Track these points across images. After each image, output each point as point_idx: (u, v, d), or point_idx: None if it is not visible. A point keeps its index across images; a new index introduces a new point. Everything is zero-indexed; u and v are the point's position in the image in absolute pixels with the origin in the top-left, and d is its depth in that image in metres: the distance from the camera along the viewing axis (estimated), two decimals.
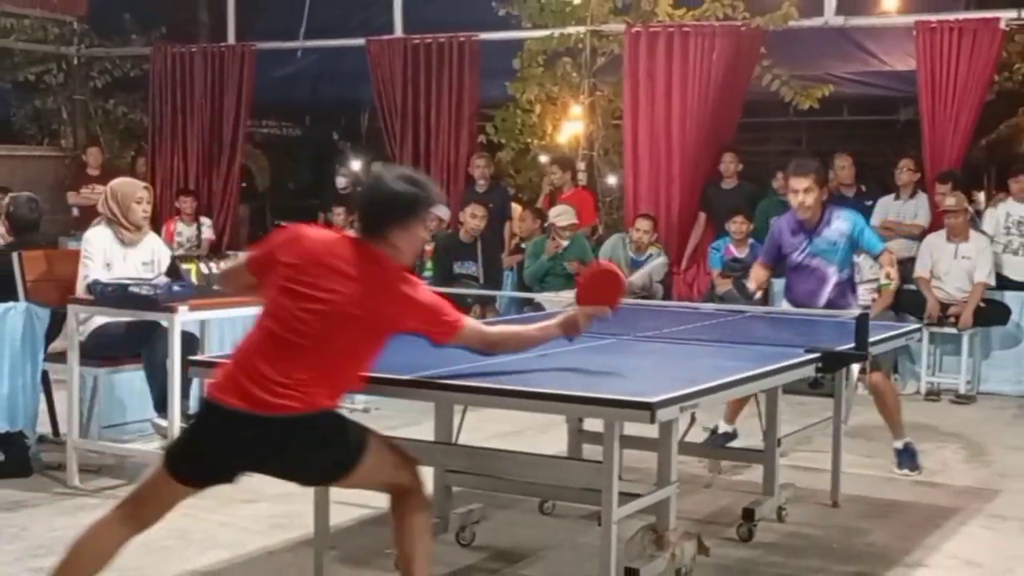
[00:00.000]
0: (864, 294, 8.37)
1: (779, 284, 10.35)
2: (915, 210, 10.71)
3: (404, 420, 7.76)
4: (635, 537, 4.85)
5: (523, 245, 11.35)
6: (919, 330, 7.39)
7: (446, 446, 5.43)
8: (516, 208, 12.43)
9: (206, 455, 4.17)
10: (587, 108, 12.24)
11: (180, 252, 11.78)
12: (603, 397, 4.25)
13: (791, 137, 18.22)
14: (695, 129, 11.45)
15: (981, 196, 15.16)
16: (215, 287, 6.54)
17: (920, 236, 10.46)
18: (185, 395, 6.46)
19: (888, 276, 7.20)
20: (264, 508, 6.11)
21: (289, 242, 4.24)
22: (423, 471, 5.68)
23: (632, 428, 5.06)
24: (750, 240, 10.77)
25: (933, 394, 10.02)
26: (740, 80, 11.57)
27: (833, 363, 5.49)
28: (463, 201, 11.60)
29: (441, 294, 9.72)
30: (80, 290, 6.82)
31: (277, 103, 16.86)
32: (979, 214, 11.23)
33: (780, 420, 6.21)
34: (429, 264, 11.13)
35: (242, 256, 5.00)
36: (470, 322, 4.49)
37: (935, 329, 9.98)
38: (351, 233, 4.38)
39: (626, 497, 4.56)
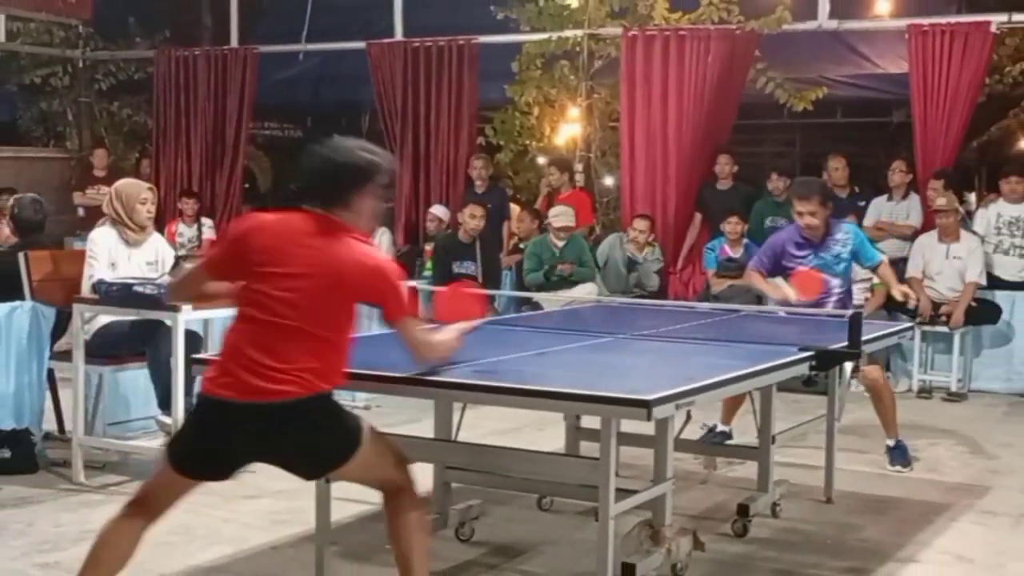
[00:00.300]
0: (857, 294, 8.37)
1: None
2: (907, 211, 10.71)
3: (404, 417, 7.77)
4: (632, 533, 4.86)
5: (522, 245, 11.35)
6: (911, 329, 7.39)
7: (445, 443, 5.43)
8: (515, 208, 12.43)
9: (206, 450, 4.16)
10: (584, 110, 12.24)
11: (182, 252, 11.77)
12: (600, 395, 4.25)
13: (785, 139, 18.24)
14: (691, 131, 11.45)
15: (972, 197, 15.19)
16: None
17: (912, 236, 10.47)
18: (188, 393, 6.44)
19: (904, 294, 7.26)
20: (266, 504, 6.11)
21: (249, 231, 4.20)
22: (423, 468, 5.71)
23: (629, 425, 5.06)
24: (745, 240, 10.79)
25: (925, 392, 10.01)
26: (735, 83, 11.58)
27: (826, 361, 5.49)
28: (462, 202, 11.60)
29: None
30: (85, 289, 6.82)
31: (279, 105, 16.86)
32: (970, 215, 11.24)
33: (774, 417, 6.22)
34: (429, 264, 11.14)
35: (189, 266, 4.98)
36: (415, 321, 4.39)
37: (927, 328, 9.98)
38: (306, 209, 4.26)
39: (623, 493, 4.56)
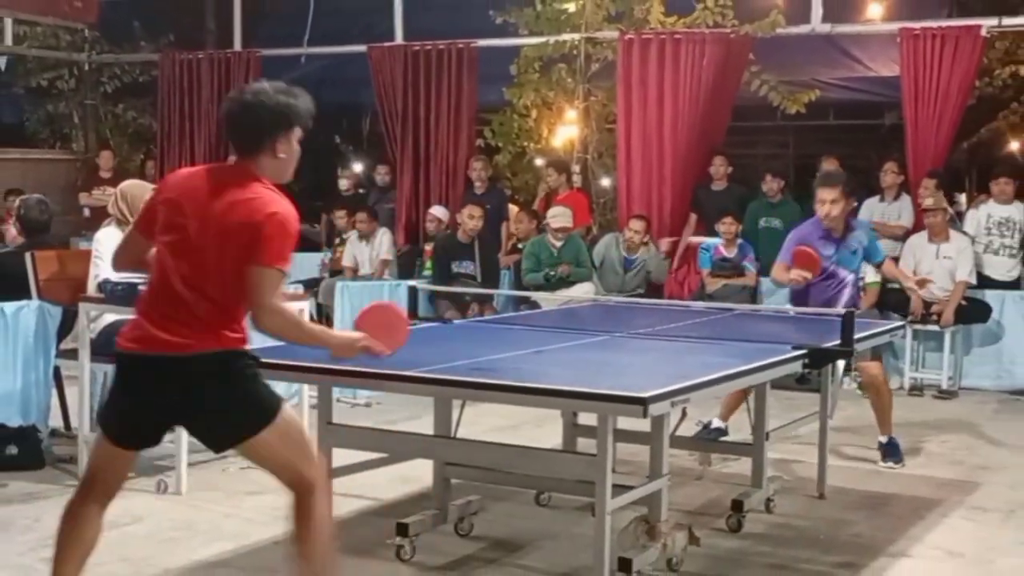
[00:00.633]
0: None
1: (767, 283, 10.47)
2: (899, 211, 10.72)
3: (405, 414, 7.78)
4: (628, 528, 4.86)
5: (520, 245, 11.35)
6: (903, 327, 7.40)
7: (445, 439, 5.43)
8: (513, 209, 12.43)
9: (127, 410, 4.07)
10: (582, 113, 12.23)
11: None
12: (597, 392, 4.25)
13: (779, 141, 18.22)
14: (686, 133, 11.45)
15: (963, 198, 15.18)
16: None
17: (904, 237, 10.47)
18: None
19: (921, 283, 7.29)
20: (268, 500, 6.08)
21: (162, 187, 4.16)
22: (423, 464, 5.72)
23: (625, 422, 5.05)
24: (739, 240, 10.80)
25: (916, 389, 10.01)
26: (729, 85, 11.58)
27: (819, 359, 5.50)
28: (462, 202, 11.60)
29: (441, 293, 9.68)
30: (91, 289, 6.81)
31: None
32: (961, 215, 11.24)
33: (768, 415, 6.22)
34: (429, 264, 11.14)
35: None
36: (279, 277, 3.98)
37: (918, 326, 9.99)
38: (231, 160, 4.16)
39: (619, 489, 4.56)
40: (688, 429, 6.08)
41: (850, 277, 7.18)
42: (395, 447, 5.43)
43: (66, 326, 7.13)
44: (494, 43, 12.59)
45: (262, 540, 5.59)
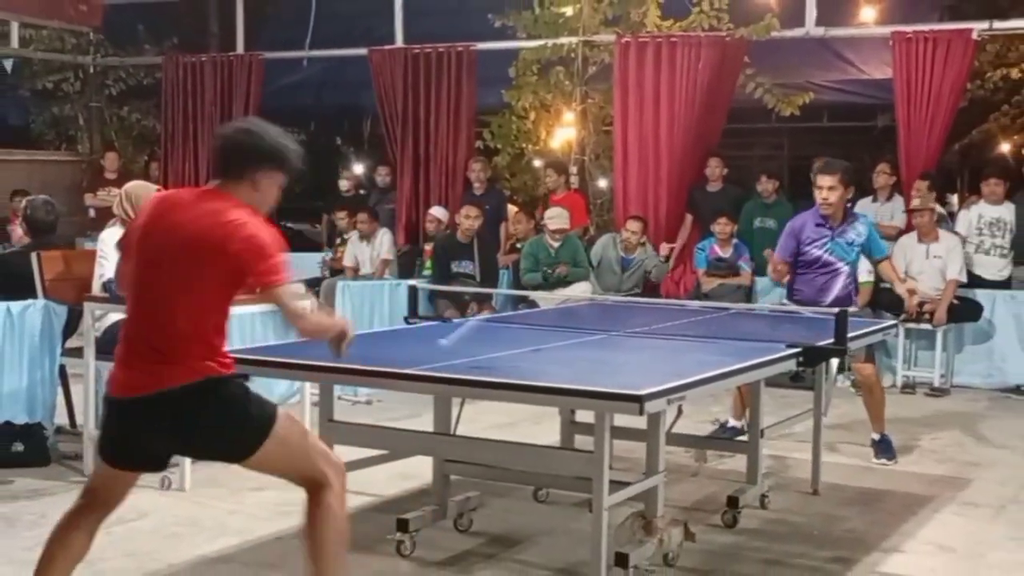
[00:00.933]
0: None
1: (762, 282, 10.49)
2: (892, 212, 10.72)
3: (405, 412, 7.78)
4: (625, 523, 4.86)
5: (518, 245, 11.35)
6: (895, 326, 7.39)
7: (445, 437, 5.43)
8: (512, 209, 12.44)
9: (124, 448, 4.01)
10: (579, 115, 12.23)
11: None
12: (594, 390, 4.26)
13: (773, 142, 18.26)
14: (682, 135, 11.46)
15: (954, 198, 15.19)
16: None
17: (896, 237, 10.47)
18: None
19: (910, 290, 7.32)
20: (271, 496, 6.10)
21: (143, 210, 4.07)
22: (423, 460, 5.72)
23: (622, 419, 5.05)
24: (734, 240, 10.80)
25: (909, 387, 10.01)
26: (725, 88, 11.58)
27: (813, 357, 5.51)
28: (460, 203, 11.60)
29: (441, 292, 9.67)
30: (96, 288, 6.81)
31: (283, 110, 16.78)
32: (952, 216, 11.24)
33: (763, 412, 6.23)
34: (428, 263, 11.14)
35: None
36: (294, 287, 4.05)
37: (911, 325, 9.98)
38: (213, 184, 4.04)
39: (616, 485, 4.57)
40: (684, 426, 6.07)
41: (845, 268, 7.15)
42: (395, 444, 5.43)
43: (71, 325, 7.13)
44: (493, 46, 12.60)
45: (265, 536, 5.60)
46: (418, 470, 6.01)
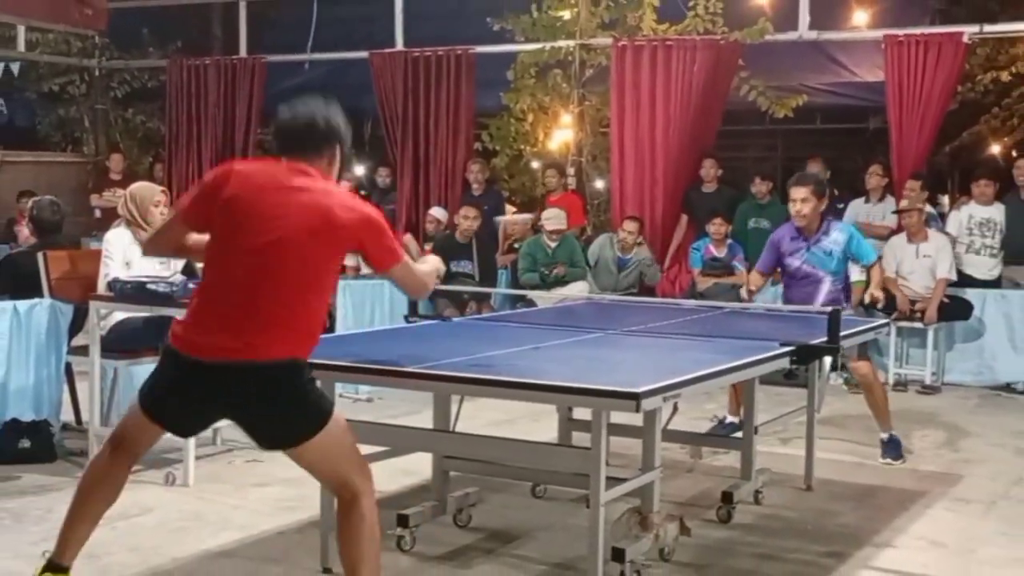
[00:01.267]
0: None
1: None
2: (883, 212, 10.72)
3: (405, 409, 7.78)
4: (621, 519, 4.86)
5: (516, 246, 11.35)
6: (887, 325, 7.39)
7: (444, 433, 5.43)
8: (510, 210, 12.44)
9: (178, 404, 3.99)
10: (576, 117, 12.24)
11: None
12: (592, 387, 4.25)
13: (767, 144, 18.25)
14: (677, 136, 11.46)
15: (945, 199, 15.19)
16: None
17: (887, 237, 10.47)
18: None
19: (872, 297, 7.30)
20: (274, 492, 6.10)
21: (223, 177, 3.96)
22: (422, 457, 5.72)
23: (618, 416, 5.05)
24: (728, 241, 10.80)
25: (900, 385, 10.01)
26: (720, 90, 11.58)
27: (807, 355, 5.49)
28: (460, 204, 11.60)
29: (440, 291, 9.65)
30: (101, 287, 6.80)
31: None
32: (943, 216, 11.24)
33: (757, 409, 6.22)
34: None
35: (168, 214, 4.70)
36: (408, 259, 4.29)
37: (902, 324, 9.98)
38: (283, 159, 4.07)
39: (613, 481, 4.56)
40: (681, 423, 6.06)
41: (827, 276, 7.16)
42: (396, 441, 5.42)
43: (77, 323, 7.13)
44: (491, 49, 12.60)
45: (268, 530, 5.59)
46: (418, 466, 6.01)
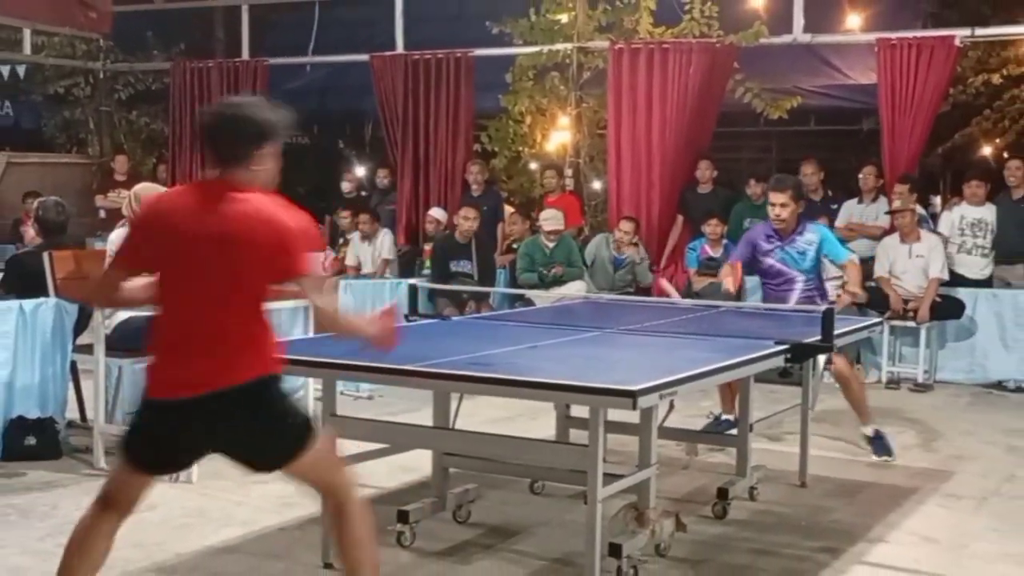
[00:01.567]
0: (830, 290, 8.37)
1: (751, 281, 10.47)
2: (876, 213, 10.71)
3: (404, 407, 7.77)
4: (618, 515, 4.86)
5: (515, 246, 11.36)
6: (880, 323, 7.39)
7: (444, 431, 5.43)
8: (508, 210, 12.44)
9: (159, 451, 3.87)
10: (574, 119, 12.24)
11: None
12: (589, 386, 4.25)
13: (762, 146, 18.24)
14: (673, 138, 11.46)
15: (937, 200, 15.18)
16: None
17: (880, 237, 10.47)
18: None
19: (851, 294, 7.31)
20: (276, 488, 6.08)
21: (150, 214, 3.86)
22: (422, 454, 5.72)
23: (616, 414, 5.06)
24: (724, 241, 10.80)
25: (893, 383, 10.02)
26: (715, 93, 11.58)
27: (801, 354, 5.50)
28: (459, 204, 11.61)
29: (440, 291, 9.62)
30: None
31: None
32: (935, 217, 11.24)
33: (752, 407, 6.22)
34: (428, 263, 11.14)
35: (105, 269, 4.53)
36: (322, 278, 3.98)
37: (895, 322, 9.99)
38: (209, 177, 3.88)
39: (610, 478, 4.56)
40: (676, 421, 6.05)
41: (800, 276, 7.17)
42: (396, 438, 5.42)
43: (82, 322, 7.13)
44: (490, 52, 12.60)
45: (270, 526, 5.60)
46: (418, 463, 6.01)
